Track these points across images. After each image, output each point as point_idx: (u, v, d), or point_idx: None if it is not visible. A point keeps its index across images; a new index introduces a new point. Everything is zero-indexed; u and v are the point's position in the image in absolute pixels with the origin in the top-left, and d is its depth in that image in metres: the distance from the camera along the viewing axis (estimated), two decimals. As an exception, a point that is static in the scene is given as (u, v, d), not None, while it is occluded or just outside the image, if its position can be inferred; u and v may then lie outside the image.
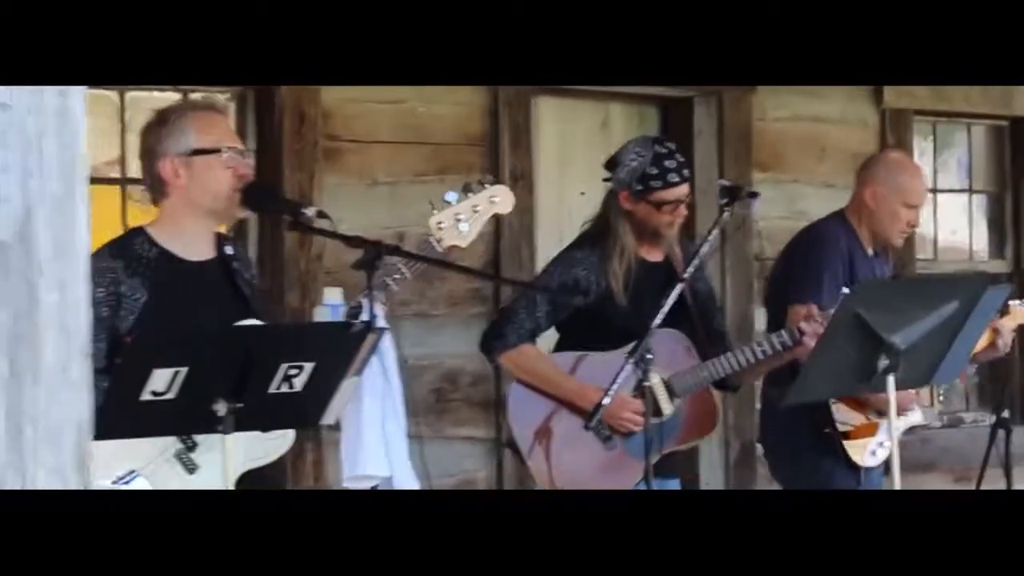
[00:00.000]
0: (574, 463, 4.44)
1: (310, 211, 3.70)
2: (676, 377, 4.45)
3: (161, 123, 3.78)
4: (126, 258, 3.67)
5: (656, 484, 4.26)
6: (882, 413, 4.58)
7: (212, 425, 3.30)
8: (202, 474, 3.59)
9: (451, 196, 3.86)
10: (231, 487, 3.39)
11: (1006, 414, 5.53)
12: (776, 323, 4.77)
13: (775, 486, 5.24)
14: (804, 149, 7.00)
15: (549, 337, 4.71)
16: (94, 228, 3.78)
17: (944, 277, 6.44)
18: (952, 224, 7.77)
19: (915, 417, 5.10)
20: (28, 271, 2.05)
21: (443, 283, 5.89)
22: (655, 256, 4.55)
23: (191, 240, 3.76)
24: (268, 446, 3.68)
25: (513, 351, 4.49)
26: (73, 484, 2.18)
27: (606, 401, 4.11)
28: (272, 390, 3.34)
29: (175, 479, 3.59)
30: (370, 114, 5.81)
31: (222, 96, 5.62)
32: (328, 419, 3.50)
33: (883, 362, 3.90)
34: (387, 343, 3.65)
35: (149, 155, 3.78)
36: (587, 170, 4.84)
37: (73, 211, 2.18)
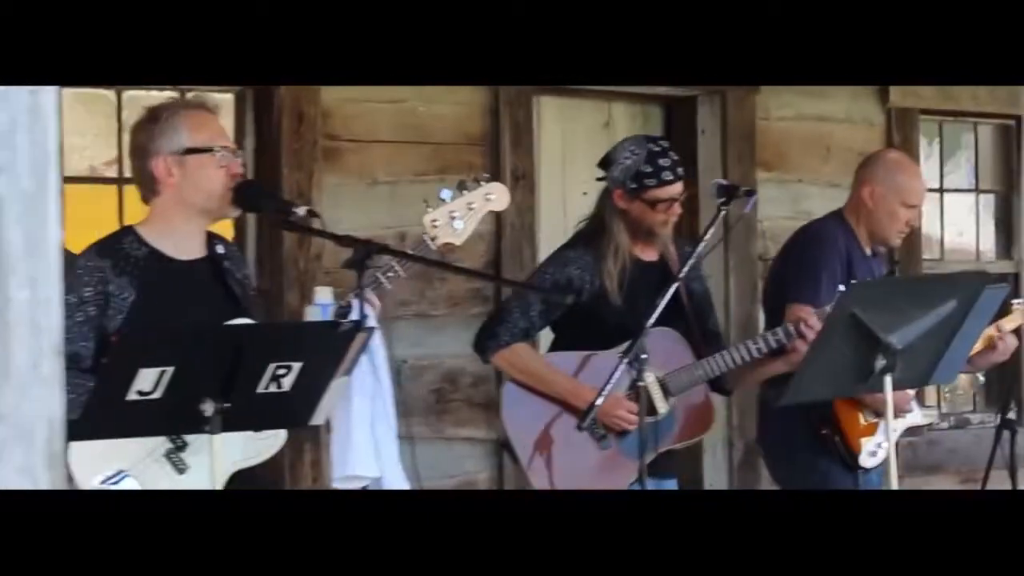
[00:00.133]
0: (570, 464, 4.42)
1: (300, 210, 3.68)
2: (671, 376, 4.44)
3: (153, 121, 3.77)
4: (114, 257, 3.67)
5: (653, 484, 4.26)
6: (880, 413, 4.56)
7: (199, 425, 3.28)
8: (192, 474, 3.57)
9: (446, 194, 3.85)
10: (218, 487, 3.37)
11: (1011, 415, 5.51)
12: (774, 323, 4.75)
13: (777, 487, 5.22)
14: (808, 148, 6.97)
15: (549, 336, 4.70)
16: (93, 228, 3.78)
17: (942, 276, 6.39)
18: (959, 224, 7.73)
19: (915, 418, 5.06)
20: (-1, 268, 2.04)
21: (443, 283, 5.87)
22: (650, 255, 4.54)
23: (182, 239, 3.75)
24: (260, 445, 3.67)
25: (506, 350, 4.48)
26: (44, 483, 2.15)
27: (599, 401, 4.09)
28: (260, 390, 3.33)
29: (165, 479, 3.57)
30: (370, 113, 5.80)
31: (222, 96, 5.60)
32: (318, 419, 3.48)
33: (880, 362, 3.87)
34: (377, 342, 3.64)
35: (141, 153, 3.77)
36: (589, 170, 4.83)
37: (45, 208, 2.16)
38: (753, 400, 6.04)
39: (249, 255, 5.59)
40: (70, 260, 3.73)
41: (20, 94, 2.22)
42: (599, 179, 4.55)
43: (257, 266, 5.59)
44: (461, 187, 3.87)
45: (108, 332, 3.59)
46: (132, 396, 3.19)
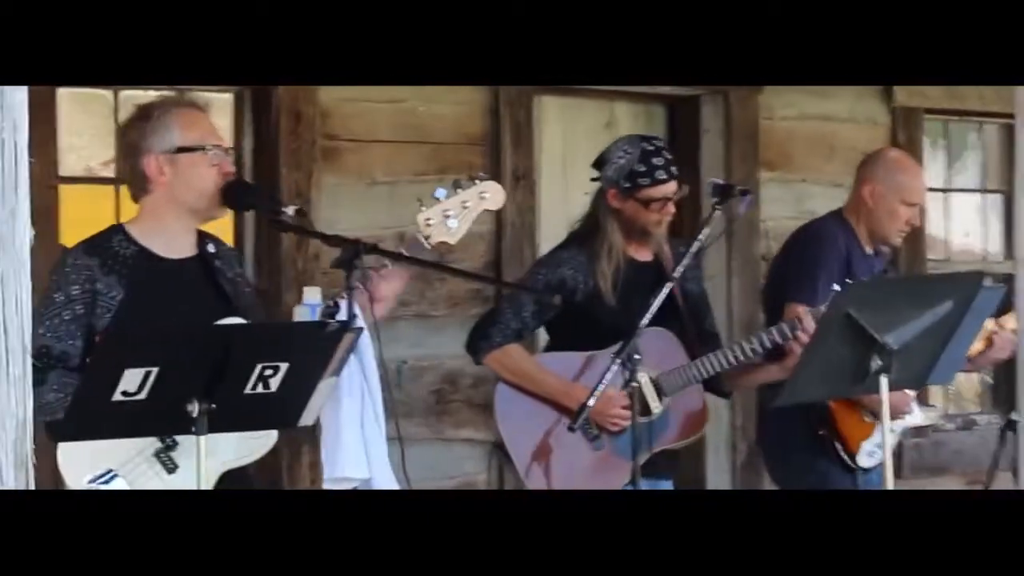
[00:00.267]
0: (567, 467, 4.40)
1: (289, 209, 3.66)
2: (664, 376, 4.41)
3: (144, 119, 3.75)
4: (102, 255, 3.65)
5: (648, 485, 4.25)
6: (878, 414, 4.51)
7: (185, 426, 3.25)
8: (182, 474, 3.55)
9: (440, 193, 3.83)
10: (205, 487, 3.35)
11: (1015, 416, 5.46)
12: (773, 322, 4.71)
13: (779, 488, 5.19)
14: (812, 148, 6.95)
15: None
16: (90, 228, 3.76)
17: (938, 276, 6.36)
18: (965, 225, 7.69)
19: (915, 418, 5.03)
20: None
21: (443, 284, 5.86)
22: (644, 256, 4.52)
23: (172, 238, 3.73)
24: (252, 445, 3.65)
25: (498, 351, 4.47)
26: (11, 482, 2.14)
27: (591, 402, 4.07)
28: (248, 390, 3.30)
29: (154, 479, 3.55)
30: (368, 113, 5.78)
31: (220, 96, 5.59)
32: (306, 420, 3.45)
33: (876, 363, 3.83)
34: (366, 343, 3.61)
35: (132, 151, 3.75)
36: (591, 170, 4.85)
37: (14, 206, 2.15)
38: (755, 402, 6.02)
39: (247, 255, 5.59)
40: (61, 258, 3.72)
41: (-12, 92, 2.21)
42: (593, 179, 4.53)
43: (255, 266, 5.58)
44: (456, 186, 3.85)
45: (97, 331, 3.58)
46: (117, 397, 3.16)
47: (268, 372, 3.30)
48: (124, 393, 3.16)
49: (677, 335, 4.45)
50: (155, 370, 3.16)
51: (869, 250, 5.00)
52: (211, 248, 3.81)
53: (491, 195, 3.87)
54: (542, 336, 4.82)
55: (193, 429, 3.25)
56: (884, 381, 3.86)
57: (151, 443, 3.54)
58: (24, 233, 2.15)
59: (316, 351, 3.35)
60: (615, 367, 4.03)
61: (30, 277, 2.11)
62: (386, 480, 3.66)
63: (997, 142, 7.75)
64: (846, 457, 4.79)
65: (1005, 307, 4.85)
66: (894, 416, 4.55)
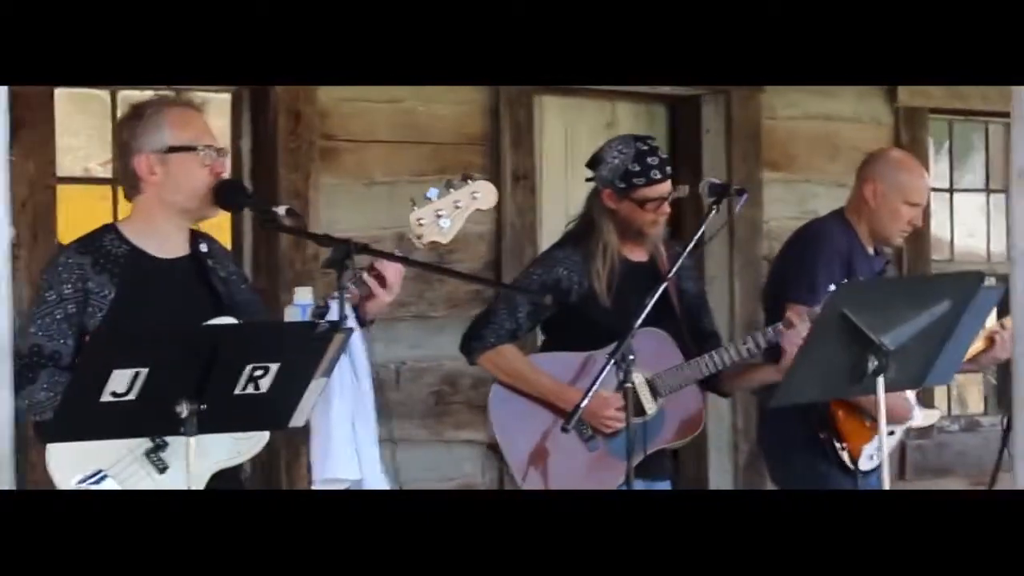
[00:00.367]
0: (564, 468, 4.39)
1: (280, 209, 3.65)
2: (659, 376, 4.40)
3: (136, 118, 3.74)
4: (94, 254, 3.64)
5: (643, 486, 4.24)
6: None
7: (175, 427, 3.24)
8: (173, 473, 3.54)
9: (432, 192, 3.83)
10: (195, 487, 3.34)
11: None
12: (773, 322, 4.69)
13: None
14: (815, 148, 6.93)
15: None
16: (88, 229, 3.76)
17: (936, 276, 6.34)
18: (969, 225, 7.66)
19: (916, 419, 5.00)
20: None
21: (442, 284, 5.85)
22: (639, 256, 4.51)
23: (164, 237, 3.72)
24: (242, 445, 3.64)
25: (492, 351, 4.46)
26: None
27: (584, 403, 4.06)
28: (238, 391, 3.29)
29: (145, 479, 3.54)
30: (367, 113, 5.78)
31: (218, 96, 5.58)
32: (297, 421, 3.45)
33: (872, 363, 3.81)
34: (358, 343, 3.60)
35: (124, 150, 3.75)
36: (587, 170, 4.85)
37: (-9, 204, 2.13)
38: (756, 403, 6.00)
39: (245, 255, 5.58)
40: (53, 257, 3.72)
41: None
42: (588, 179, 4.51)
43: (253, 266, 5.57)
44: (448, 186, 3.85)
45: (88, 330, 3.57)
46: (106, 398, 3.15)
47: (258, 373, 3.29)
48: (113, 394, 3.16)
49: (673, 335, 4.43)
50: (144, 371, 3.16)
51: (871, 250, 4.98)
52: (204, 247, 3.79)
53: (483, 195, 3.87)
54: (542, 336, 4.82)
55: (183, 430, 3.24)
56: (880, 382, 3.84)
57: (141, 443, 3.53)
58: (3, 234, 2.13)
59: (307, 351, 3.34)
60: (610, 367, 4.02)
61: (11, 275, 2.09)
62: (377, 481, 3.65)
63: (1002, 142, 7.72)
64: (847, 460, 4.77)
65: (1008, 307, 4.83)
66: (894, 422, 4.53)
